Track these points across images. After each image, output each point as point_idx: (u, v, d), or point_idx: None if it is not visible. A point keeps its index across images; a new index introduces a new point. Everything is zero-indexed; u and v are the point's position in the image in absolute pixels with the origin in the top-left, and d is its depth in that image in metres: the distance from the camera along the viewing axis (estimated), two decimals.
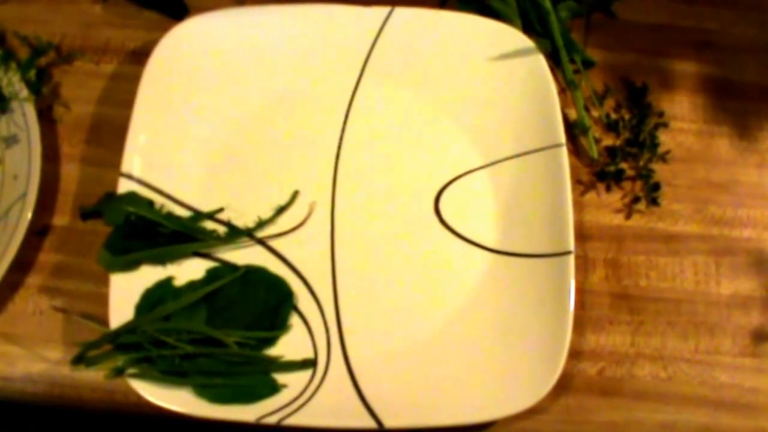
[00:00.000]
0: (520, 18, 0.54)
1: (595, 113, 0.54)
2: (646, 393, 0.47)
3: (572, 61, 0.54)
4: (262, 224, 0.49)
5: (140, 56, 0.52)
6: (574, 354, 0.47)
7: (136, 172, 0.48)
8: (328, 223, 0.49)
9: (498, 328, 0.47)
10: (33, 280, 0.49)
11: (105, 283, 0.46)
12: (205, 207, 0.49)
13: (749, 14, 0.57)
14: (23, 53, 0.53)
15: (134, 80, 0.50)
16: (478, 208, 0.50)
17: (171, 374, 0.44)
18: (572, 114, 0.53)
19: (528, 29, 0.53)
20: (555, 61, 0.54)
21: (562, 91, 0.53)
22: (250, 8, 0.53)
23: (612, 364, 0.48)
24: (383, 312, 0.48)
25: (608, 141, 0.53)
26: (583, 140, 0.53)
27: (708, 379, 0.47)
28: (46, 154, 0.49)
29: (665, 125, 0.53)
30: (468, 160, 0.51)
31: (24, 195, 0.48)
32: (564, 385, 0.46)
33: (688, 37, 0.56)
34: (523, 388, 0.44)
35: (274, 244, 0.49)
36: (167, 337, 0.45)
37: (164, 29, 0.51)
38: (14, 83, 0.50)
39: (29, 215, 0.47)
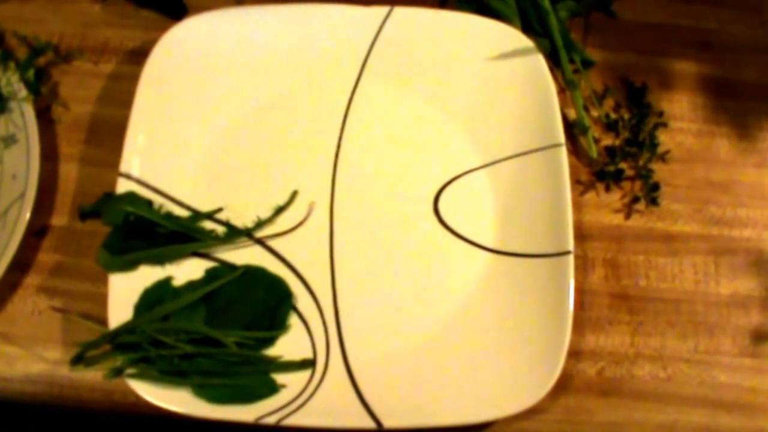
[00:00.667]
0: (519, 18, 0.54)
1: (594, 113, 0.54)
2: (645, 393, 0.47)
3: (571, 60, 0.53)
4: (261, 224, 0.49)
5: (139, 56, 0.52)
6: (574, 354, 0.47)
7: (135, 172, 0.48)
8: (327, 223, 0.49)
9: (497, 328, 0.47)
10: (32, 280, 0.49)
11: (104, 283, 0.46)
12: (204, 207, 0.49)
13: (749, 14, 0.57)
14: (22, 53, 0.53)
15: (133, 80, 0.50)
16: (478, 208, 0.50)
17: (170, 374, 0.44)
18: (571, 114, 0.53)
19: (527, 29, 0.53)
20: (554, 61, 0.54)
21: (561, 91, 0.53)
22: (248, 8, 0.53)
23: (611, 364, 0.48)
24: (382, 312, 0.48)
25: (607, 141, 0.53)
26: (582, 140, 0.53)
27: (707, 379, 0.47)
28: (45, 154, 0.49)
29: (665, 125, 0.53)
30: (467, 160, 0.51)
31: (22, 195, 0.48)
32: (563, 386, 0.46)
33: (687, 36, 0.56)
34: (523, 388, 0.44)
35: (273, 244, 0.49)
36: (166, 337, 0.45)
37: (163, 29, 0.51)
38: (13, 83, 0.50)
39: (28, 215, 0.47)
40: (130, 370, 0.44)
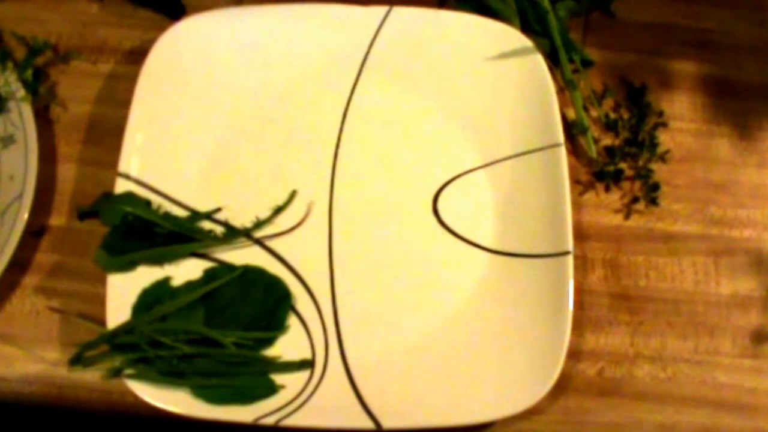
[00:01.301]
0: (518, 17, 0.54)
1: (593, 113, 0.53)
2: (645, 394, 0.47)
3: (571, 60, 0.53)
4: (259, 224, 0.49)
5: (137, 56, 0.52)
6: (573, 354, 0.47)
7: (134, 172, 0.48)
8: (326, 223, 0.49)
9: (496, 329, 0.46)
10: (30, 280, 0.49)
11: (102, 283, 0.46)
12: (203, 207, 0.49)
13: (749, 13, 0.57)
14: (20, 53, 0.53)
15: (131, 80, 0.49)
16: (477, 208, 0.50)
17: (168, 375, 0.44)
18: (571, 114, 0.53)
19: (526, 29, 0.53)
20: (553, 61, 0.53)
21: (560, 91, 0.53)
22: (247, 8, 0.53)
23: (611, 364, 0.47)
24: (381, 312, 0.47)
25: (607, 141, 0.53)
26: (581, 140, 0.52)
27: (707, 380, 0.47)
28: (43, 154, 0.49)
29: (664, 125, 0.53)
30: (466, 160, 0.51)
31: (20, 195, 0.48)
32: (563, 386, 0.46)
33: (687, 36, 0.56)
34: (522, 388, 0.44)
35: (272, 244, 0.49)
36: (164, 337, 0.45)
37: (161, 29, 0.51)
38: (11, 83, 0.50)
39: (26, 215, 0.47)
40: (129, 371, 0.44)
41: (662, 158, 0.52)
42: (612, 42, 0.56)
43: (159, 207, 0.48)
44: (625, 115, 0.53)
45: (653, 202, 0.51)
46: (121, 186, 0.48)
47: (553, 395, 0.45)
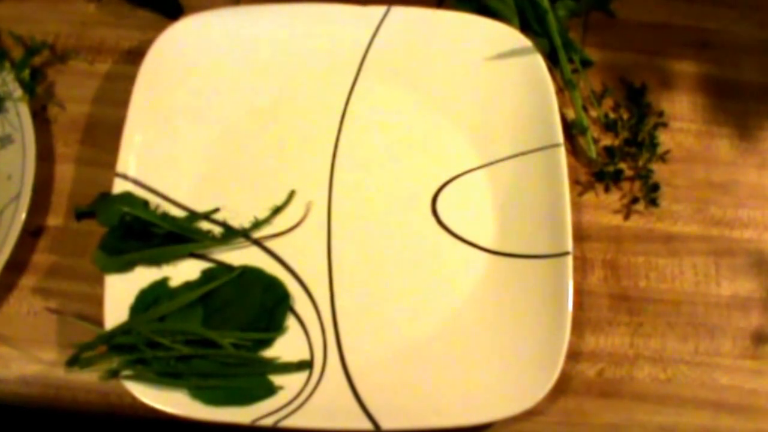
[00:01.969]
0: (518, 17, 0.54)
1: (593, 113, 0.53)
2: (645, 395, 0.47)
3: (570, 60, 0.53)
4: (258, 225, 0.49)
5: (135, 56, 0.51)
6: (573, 355, 0.47)
7: (131, 173, 0.48)
8: (325, 224, 0.49)
9: (496, 329, 0.46)
10: (27, 281, 0.48)
11: (100, 283, 0.46)
12: (201, 207, 0.49)
13: (749, 14, 0.57)
14: (17, 53, 0.53)
15: (129, 80, 0.49)
16: (476, 208, 0.50)
17: (166, 376, 0.44)
18: (570, 114, 0.53)
19: (526, 28, 0.53)
20: (553, 61, 0.53)
21: (560, 91, 0.53)
22: (245, 8, 0.53)
23: (611, 365, 0.47)
24: (380, 313, 0.47)
25: (607, 141, 0.53)
26: (581, 140, 0.52)
27: (708, 381, 0.47)
28: (41, 155, 0.49)
29: (664, 125, 0.53)
30: (465, 161, 0.51)
31: (18, 195, 0.47)
32: (562, 387, 0.46)
33: (687, 36, 0.56)
34: (521, 389, 0.44)
35: (270, 244, 0.49)
36: (162, 338, 0.44)
37: (159, 29, 0.51)
38: (8, 83, 0.50)
39: (23, 216, 0.47)
40: (126, 372, 0.44)
41: (662, 158, 0.52)
42: (612, 42, 0.56)
43: (157, 207, 0.48)
44: (625, 116, 0.53)
45: (653, 202, 0.51)
46: (118, 186, 0.48)
47: (553, 396, 0.45)
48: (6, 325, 0.47)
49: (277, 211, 0.49)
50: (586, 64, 0.54)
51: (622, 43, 0.56)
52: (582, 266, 0.49)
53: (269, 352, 0.46)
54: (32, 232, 0.49)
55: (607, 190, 0.52)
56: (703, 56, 0.56)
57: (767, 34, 0.56)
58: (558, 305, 0.45)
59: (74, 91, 0.53)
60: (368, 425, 0.43)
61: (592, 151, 0.51)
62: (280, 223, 0.49)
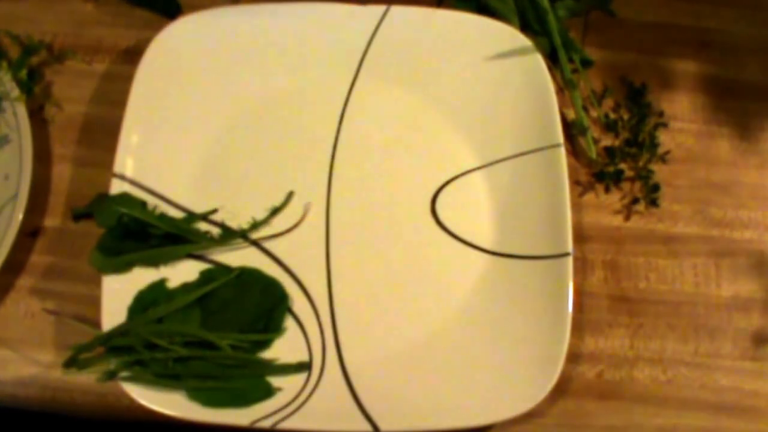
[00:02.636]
0: (517, 17, 0.53)
1: (593, 113, 0.53)
2: (645, 396, 0.47)
3: (570, 60, 0.53)
4: (256, 225, 0.48)
5: (133, 55, 0.51)
6: (573, 357, 0.47)
7: (129, 173, 0.48)
8: (323, 225, 0.49)
9: (495, 331, 0.46)
10: (24, 282, 0.48)
11: (97, 285, 0.45)
12: (199, 208, 0.49)
13: (749, 13, 0.57)
14: (14, 52, 0.53)
15: (127, 80, 0.49)
16: (476, 209, 0.50)
17: (164, 377, 0.44)
18: (570, 114, 0.53)
19: (526, 28, 0.53)
20: (553, 61, 0.53)
21: (560, 91, 0.53)
22: (243, 7, 0.52)
23: (611, 367, 0.47)
24: (379, 314, 0.47)
25: (607, 141, 0.52)
26: (581, 140, 0.52)
27: (708, 383, 0.47)
28: (38, 155, 0.49)
29: (665, 125, 0.53)
30: (465, 161, 0.51)
31: (15, 196, 0.47)
32: (562, 389, 0.46)
33: (687, 36, 0.56)
34: (521, 391, 0.44)
35: (269, 245, 0.48)
36: (160, 339, 0.44)
37: (157, 28, 0.50)
38: (5, 83, 0.50)
39: (20, 217, 0.47)
40: (124, 373, 0.44)
41: (662, 159, 0.52)
42: (612, 41, 0.55)
43: (155, 208, 0.48)
44: (625, 116, 0.53)
45: (653, 203, 0.51)
46: (116, 187, 0.47)
47: (553, 398, 0.45)
48: (3, 327, 0.47)
49: (275, 211, 0.49)
50: (586, 63, 0.54)
51: (623, 43, 0.55)
52: (582, 267, 0.49)
53: (267, 354, 0.46)
54: (29, 232, 0.49)
55: (607, 190, 0.51)
56: (704, 56, 0.55)
57: None
58: (558, 306, 0.45)
59: (71, 90, 0.53)
60: (367, 427, 0.43)
61: (593, 152, 0.51)
62: (278, 223, 0.49)
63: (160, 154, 0.49)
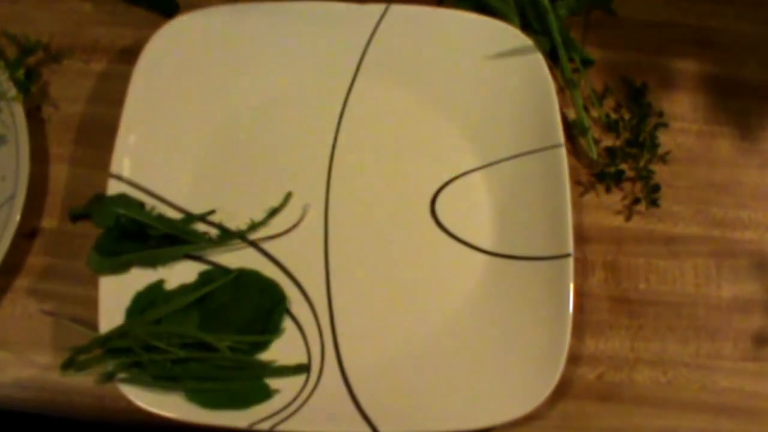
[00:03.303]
0: (518, 16, 0.53)
1: (594, 113, 0.53)
2: (645, 398, 0.46)
3: (571, 59, 0.53)
4: (254, 226, 0.48)
5: (130, 55, 0.51)
6: (573, 359, 0.47)
7: (126, 173, 0.48)
8: (322, 226, 0.49)
9: (495, 332, 0.46)
10: (21, 283, 0.48)
11: (95, 286, 0.45)
12: (197, 209, 0.49)
13: (751, 11, 0.56)
14: (11, 52, 0.52)
15: (124, 79, 0.49)
16: (476, 210, 0.49)
17: (162, 379, 0.44)
18: (571, 114, 0.52)
19: (526, 27, 0.53)
20: (553, 60, 0.53)
21: (560, 91, 0.52)
22: (242, 5, 0.52)
23: (611, 369, 0.47)
24: (378, 316, 0.47)
25: (608, 141, 0.52)
26: (582, 141, 0.52)
27: (709, 384, 0.47)
28: (35, 155, 0.48)
29: (665, 125, 0.53)
30: (465, 161, 0.50)
31: (12, 197, 0.47)
32: (562, 391, 0.46)
33: (688, 35, 0.56)
34: (521, 393, 0.43)
35: (267, 246, 0.48)
36: (158, 341, 0.44)
37: (155, 27, 0.50)
38: (2, 82, 0.50)
39: (17, 217, 0.47)
40: (122, 375, 0.44)
41: (663, 159, 0.52)
42: (613, 41, 0.55)
43: (152, 209, 0.48)
44: (626, 116, 0.53)
45: (654, 203, 0.50)
46: (113, 187, 0.47)
47: (553, 400, 0.45)
48: (0, 328, 0.47)
49: (274, 212, 0.49)
50: (586, 63, 0.54)
51: (623, 42, 0.55)
52: (582, 268, 0.49)
53: (266, 355, 0.46)
54: (27, 233, 0.49)
55: (608, 191, 0.51)
56: (705, 55, 0.55)
57: None
58: (558, 308, 0.45)
59: (69, 90, 0.53)
60: (366, 429, 0.43)
61: (594, 152, 0.51)
62: (276, 224, 0.49)
63: (157, 154, 0.49)
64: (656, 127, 0.52)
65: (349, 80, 0.52)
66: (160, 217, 0.48)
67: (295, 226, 0.49)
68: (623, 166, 0.51)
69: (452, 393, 0.44)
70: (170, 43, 0.50)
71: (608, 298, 0.48)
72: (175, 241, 0.47)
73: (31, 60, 0.53)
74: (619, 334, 0.48)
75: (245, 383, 0.45)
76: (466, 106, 0.51)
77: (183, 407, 0.43)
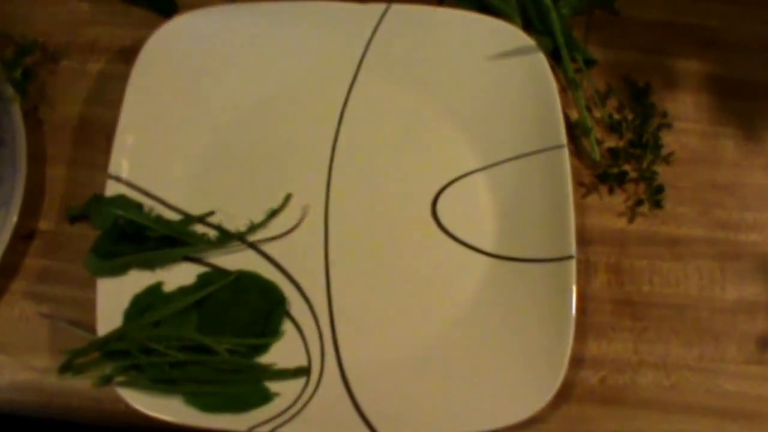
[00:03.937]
0: (520, 15, 0.53)
1: (597, 113, 0.52)
2: (649, 402, 0.46)
3: (573, 59, 0.52)
4: (253, 228, 0.48)
5: (128, 55, 0.50)
6: (576, 362, 0.46)
7: (124, 174, 0.47)
8: (322, 227, 0.48)
9: (497, 335, 0.46)
10: (19, 285, 0.48)
11: (93, 288, 0.45)
12: (196, 210, 0.48)
13: (755, 11, 0.56)
14: (8, 52, 0.52)
15: (122, 79, 0.48)
16: (477, 211, 0.49)
17: (160, 382, 0.44)
18: (573, 114, 0.52)
19: (528, 27, 0.52)
20: (556, 60, 0.52)
21: (562, 91, 0.52)
22: (241, 5, 0.52)
23: (614, 372, 0.47)
24: (379, 318, 0.47)
25: (611, 142, 0.52)
26: (584, 141, 0.51)
27: (713, 388, 0.46)
28: (32, 156, 0.48)
29: (669, 126, 0.52)
30: (466, 162, 0.50)
31: (9, 198, 0.47)
32: (565, 394, 0.45)
33: (692, 34, 0.55)
34: (523, 397, 0.43)
35: (266, 248, 0.48)
36: (157, 344, 0.44)
37: (153, 27, 0.50)
38: None
39: (15, 219, 0.46)
40: (120, 378, 0.43)
41: (666, 160, 0.51)
42: (615, 40, 0.55)
43: (151, 210, 0.48)
44: (629, 116, 0.52)
45: (658, 204, 0.50)
46: (111, 188, 0.47)
47: (555, 403, 0.44)
48: None
49: (273, 214, 0.48)
50: (589, 63, 0.53)
51: (626, 42, 0.55)
52: (585, 270, 0.48)
53: (265, 358, 0.45)
54: (24, 235, 0.49)
55: (611, 192, 0.51)
56: (708, 55, 0.55)
57: None
58: (561, 310, 0.44)
59: (66, 91, 0.52)
60: None
61: (596, 153, 0.50)
62: (276, 226, 0.48)
63: (156, 155, 0.49)
64: (659, 127, 0.52)
65: (350, 80, 0.52)
66: (159, 219, 0.47)
67: (294, 227, 0.48)
68: (626, 167, 0.51)
69: (453, 396, 0.44)
70: (169, 43, 0.50)
71: (611, 300, 0.48)
72: (174, 242, 0.47)
73: (29, 60, 0.52)
74: (622, 336, 0.47)
75: (244, 386, 0.44)
76: (468, 106, 0.51)
77: (182, 410, 0.43)
